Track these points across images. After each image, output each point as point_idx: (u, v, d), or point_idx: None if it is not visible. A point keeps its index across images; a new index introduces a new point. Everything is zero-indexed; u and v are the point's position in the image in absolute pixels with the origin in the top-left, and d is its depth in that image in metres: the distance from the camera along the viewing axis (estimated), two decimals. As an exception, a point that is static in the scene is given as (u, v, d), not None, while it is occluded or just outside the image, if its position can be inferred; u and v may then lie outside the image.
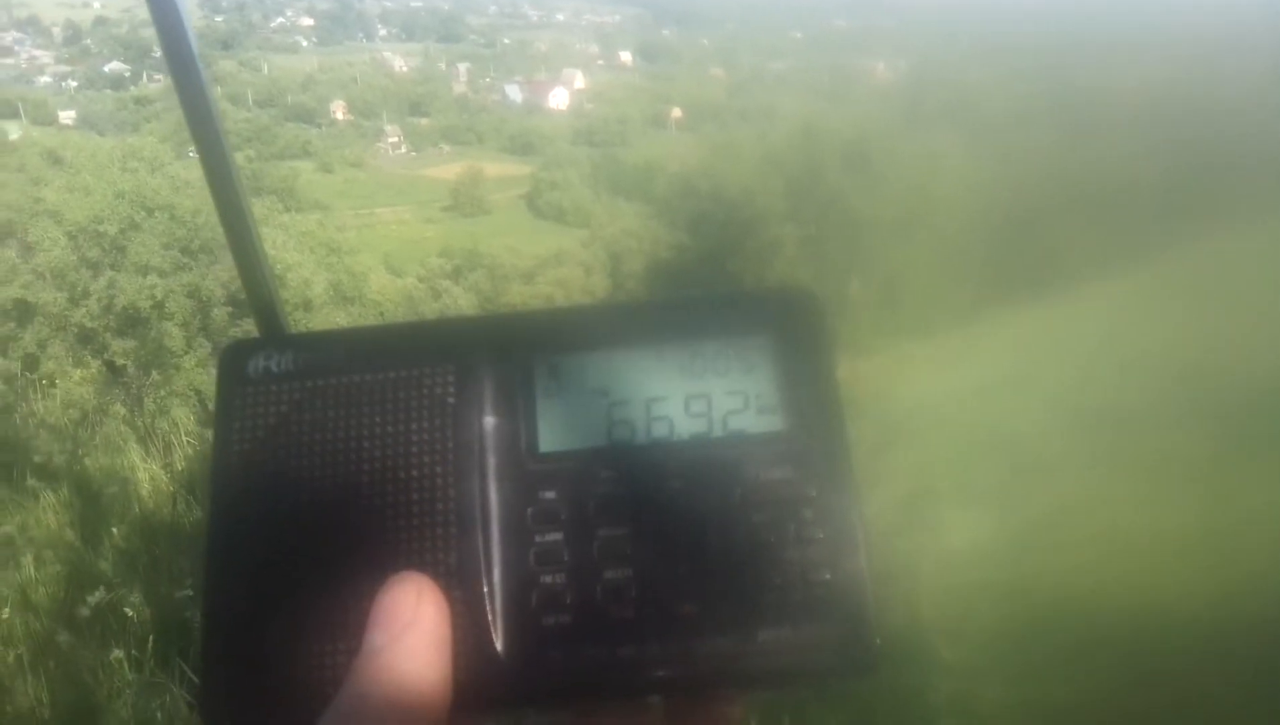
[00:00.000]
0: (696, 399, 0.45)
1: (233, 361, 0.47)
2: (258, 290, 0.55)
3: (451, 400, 0.45)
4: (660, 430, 0.45)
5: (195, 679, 2.51)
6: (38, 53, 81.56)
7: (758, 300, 0.48)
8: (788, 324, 0.47)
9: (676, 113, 56.55)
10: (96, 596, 2.64)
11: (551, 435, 0.45)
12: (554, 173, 48.00)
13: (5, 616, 2.68)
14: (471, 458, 0.44)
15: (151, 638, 2.61)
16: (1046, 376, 8.39)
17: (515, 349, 0.46)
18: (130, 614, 2.66)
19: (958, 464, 6.61)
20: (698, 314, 0.47)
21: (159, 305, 14.81)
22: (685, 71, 69.07)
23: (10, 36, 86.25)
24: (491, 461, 0.44)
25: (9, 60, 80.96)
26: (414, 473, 0.44)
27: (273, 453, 0.45)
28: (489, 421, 0.45)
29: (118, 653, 2.49)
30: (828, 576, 0.42)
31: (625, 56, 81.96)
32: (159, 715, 2.37)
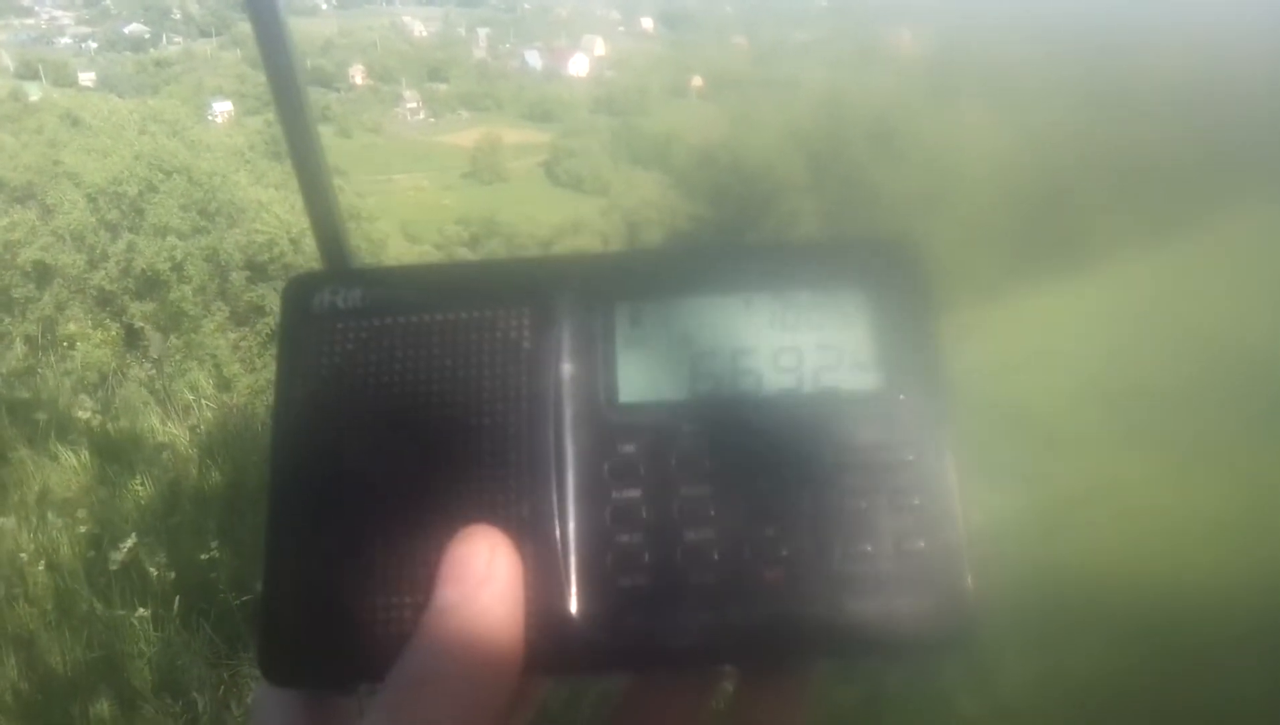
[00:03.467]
0: (786, 352, 0.42)
1: (297, 296, 0.44)
2: (324, 223, 0.54)
3: (526, 344, 0.42)
4: (747, 384, 0.42)
5: (215, 636, 2.53)
6: (58, 13, 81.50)
7: (855, 248, 0.44)
8: (887, 275, 0.43)
9: (697, 81, 56.03)
10: (123, 552, 2.63)
11: (631, 385, 0.42)
12: (573, 141, 47.79)
13: (32, 575, 2.68)
14: (546, 406, 0.41)
15: (177, 598, 2.61)
16: (1074, 353, 8.33)
17: (595, 292, 0.43)
18: (154, 573, 2.66)
19: (981, 441, 6.56)
20: (791, 261, 0.44)
21: (177, 267, 14.85)
22: (707, 39, 68.37)
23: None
24: (567, 411, 0.41)
25: (29, 21, 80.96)
26: (485, 420, 0.41)
27: (338, 393, 0.42)
28: (565, 368, 0.42)
29: (142, 611, 2.49)
30: (922, 545, 0.39)
31: (647, 23, 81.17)
32: (181, 673, 2.37)
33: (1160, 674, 4.01)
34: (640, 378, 0.42)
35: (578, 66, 68.44)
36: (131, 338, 13.49)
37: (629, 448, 0.41)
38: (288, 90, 0.52)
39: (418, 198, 43.69)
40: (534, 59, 71.32)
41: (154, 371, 6.53)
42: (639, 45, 75.01)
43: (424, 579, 0.38)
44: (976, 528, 0.40)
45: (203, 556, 2.73)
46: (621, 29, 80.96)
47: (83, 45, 71.85)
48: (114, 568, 2.55)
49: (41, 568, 2.69)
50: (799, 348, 0.42)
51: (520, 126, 55.60)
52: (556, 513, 0.40)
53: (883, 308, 0.43)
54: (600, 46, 72.32)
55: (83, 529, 2.90)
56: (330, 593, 0.39)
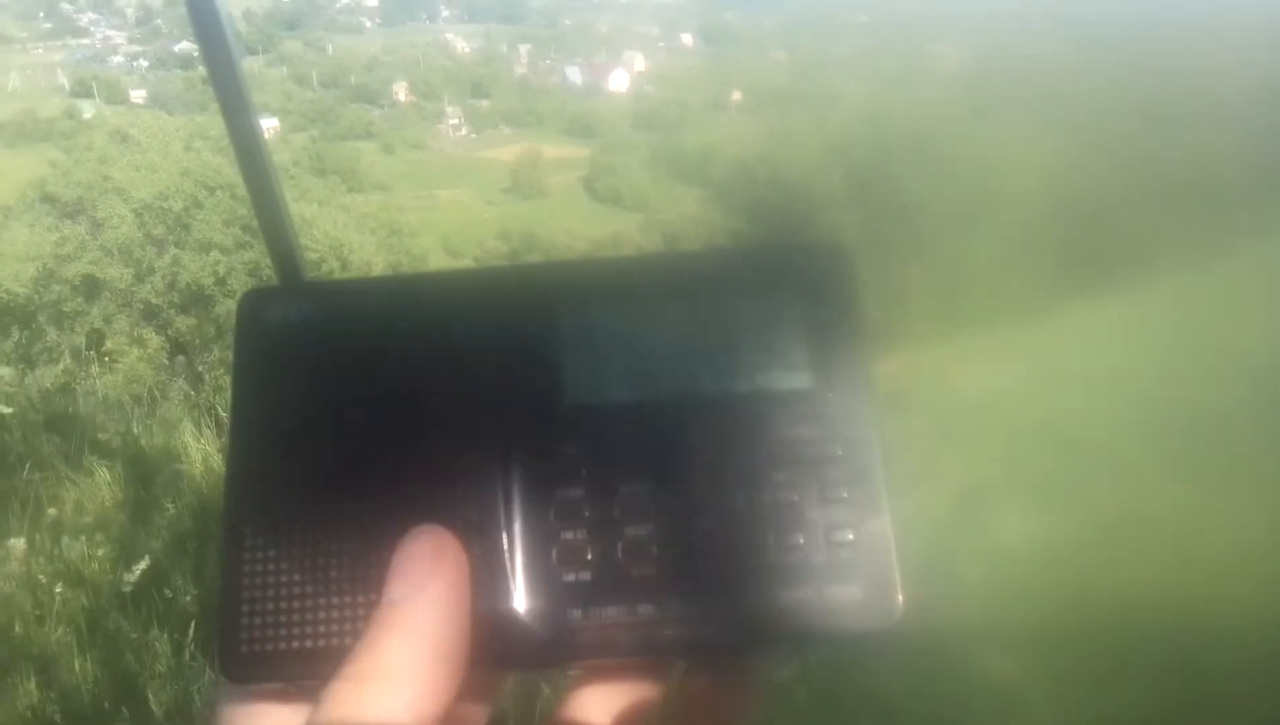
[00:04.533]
0: (723, 353, 0.44)
1: (252, 310, 0.46)
2: (277, 237, 0.56)
3: (473, 351, 0.44)
4: (685, 385, 0.44)
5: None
6: (112, 33, 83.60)
7: (788, 254, 0.46)
8: (818, 279, 0.45)
9: (737, 96, 56.00)
10: (136, 574, 2.64)
11: (575, 388, 0.44)
12: (612, 156, 47.98)
13: (59, 594, 2.69)
14: (493, 410, 0.43)
15: (194, 621, 2.60)
16: (1116, 373, 8.15)
17: (539, 299, 0.45)
18: (175, 595, 2.66)
19: (1017, 461, 6.45)
20: (726, 267, 0.46)
21: (221, 282, 15.11)
22: (746, 54, 68.44)
23: (86, 18, 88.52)
24: (514, 414, 0.43)
25: (85, 41, 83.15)
26: (435, 424, 0.43)
27: (291, 403, 0.44)
28: (513, 373, 0.44)
29: (160, 633, 2.49)
30: (850, 537, 0.42)
31: (686, 39, 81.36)
32: (195, 698, 2.37)
33: (1199, 704, 3.89)
34: (583, 380, 0.44)
35: (618, 82, 68.78)
36: (174, 352, 13.71)
37: (571, 448, 0.43)
38: (235, 98, 0.52)
39: (459, 213, 44.06)
40: (574, 75, 71.79)
41: (194, 386, 6.60)
42: (679, 60, 75.24)
43: (377, 578, 0.39)
44: (903, 518, 0.42)
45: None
46: (661, 44, 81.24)
47: (134, 64, 73.56)
48: (127, 589, 2.55)
49: (67, 587, 2.70)
50: (734, 349, 0.44)
51: (560, 142, 55.92)
52: (503, 512, 0.42)
53: (814, 310, 0.45)
54: (640, 62, 72.63)
55: (109, 549, 2.92)
56: (287, 593, 0.41)
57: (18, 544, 2.78)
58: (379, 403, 0.43)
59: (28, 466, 3.45)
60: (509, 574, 0.41)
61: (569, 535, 0.42)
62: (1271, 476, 5.44)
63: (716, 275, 0.46)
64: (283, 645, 0.41)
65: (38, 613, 2.60)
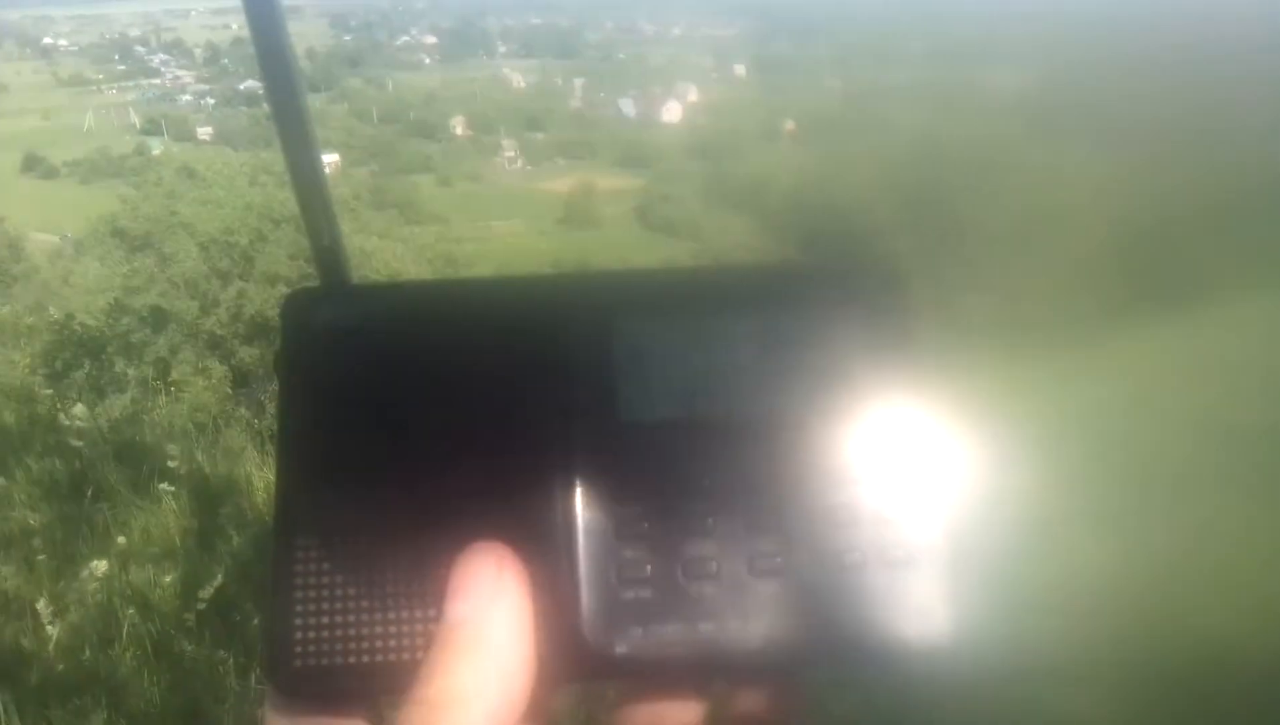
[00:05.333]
0: (780, 371, 0.44)
1: (297, 312, 0.44)
2: (321, 237, 0.53)
3: (529, 362, 0.43)
4: (742, 401, 0.43)
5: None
6: (180, 73, 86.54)
7: (847, 273, 0.46)
8: (875, 299, 0.45)
9: (790, 125, 56.03)
10: (210, 591, 2.69)
11: (632, 403, 0.43)
12: (665, 186, 48.22)
13: (127, 619, 2.76)
14: (549, 424, 0.42)
15: (259, 646, 2.65)
16: (1180, 395, 7.96)
17: (595, 311, 0.44)
18: (240, 621, 2.71)
19: (1080, 486, 6.30)
20: (784, 283, 0.46)
21: (284, 314, 15.38)
22: (799, 83, 68.53)
23: (158, 59, 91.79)
24: (570, 429, 0.42)
25: (155, 80, 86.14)
26: (490, 437, 0.42)
27: (343, 410, 0.42)
28: (568, 386, 0.43)
29: (226, 657, 2.54)
30: (910, 556, 0.41)
31: (739, 69, 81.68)
32: (260, 721, 2.40)
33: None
34: (639, 395, 0.43)
35: (671, 113, 69.27)
36: (238, 382, 14.00)
37: (630, 465, 0.42)
38: (284, 95, 0.52)
39: (514, 243, 44.55)
40: (628, 107, 72.47)
41: (256, 415, 6.73)
42: (732, 91, 75.52)
43: (433, 595, 0.39)
44: (962, 539, 0.42)
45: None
46: (714, 75, 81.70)
47: (202, 101, 75.96)
48: (201, 607, 2.60)
49: (136, 611, 2.77)
50: (793, 366, 0.44)
51: (614, 173, 56.40)
52: (562, 528, 0.41)
53: (871, 330, 0.44)
54: (693, 93, 73.10)
55: (175, 575, 2.98)
56: (339, 605, 0.40)
57: (100, 565, 2.86)
58: (431, 411, 0.42)
59: (98, 495, 3.55)
60: (569, 590, 0.40)
61: (629, 553, 0.41)
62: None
63: (775, 291, 0.45)
64: (335, 660, 0.40)
65: (106, 637, 2.67)
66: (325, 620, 0.40)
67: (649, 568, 0.41)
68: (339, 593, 0.40)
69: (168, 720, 2.38)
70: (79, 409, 3.56)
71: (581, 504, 0.41)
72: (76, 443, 3.52)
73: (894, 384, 0.44)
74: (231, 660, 2.52)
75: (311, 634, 0.40)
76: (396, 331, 0.43)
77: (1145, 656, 4.20)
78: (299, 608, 0.40)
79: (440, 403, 0.42)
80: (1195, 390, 7.90)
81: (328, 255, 0.52)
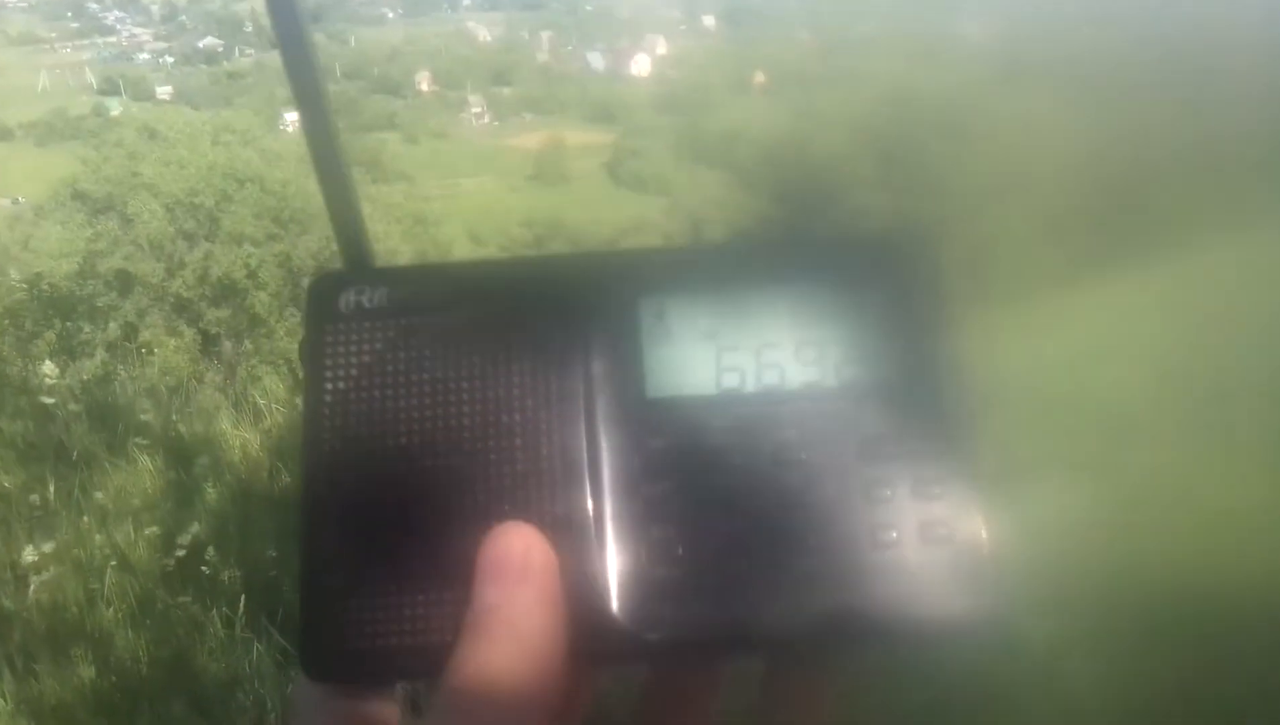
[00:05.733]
0: (809, 346, 0.43)
1: (323, 295, 0.45)
2: (345, 222, 0.54)
3: (554, 341, 0.43)
4: (771, 378, 0.43)
5: (281, 637, 2.57)
6: (137, 30, 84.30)
7: (875, 243, 0.45)
8: (906, 270, 0.44)
9: (760, 78, 55.56)
10: (188, 538, 2.69)
11: (658, 380, 0.43)
12: (635, 141, 47.81)
13: (109, 575, 2.75)
14: (576, 402, 0.42)
15: (243, 597, 2.66)
16: (1150, 345, 8.04)
17: (620, 288, 0.44)
18: (221, 574, 2.71)
19: (1050, 435, 6.39)
20: (811, 256, 0.45)
21: (252, 274, 15.23)
22: (770, 35, 67.88)
23: (112, 16, 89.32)
24: (597, 406, 0.42)
25: (111, 39, 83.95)
26: (516, 417, 0.42)
27: (368, 393, 0.42)
28: (594, 364, 0.43)
29: (209, 610, 2.54)
30: (946, 532, 0.41)
31: (709, 21, 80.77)
32: (247, 669, 2.42)
33: (1233, 677, 3.86)
34: (667, 372, 0.43)
35: (640, 66, 68.49)
36: (207, 343, 13.87)
37: (658, 442, 0.41)
38: (309, 90, 0.52)
39: (483, 201, 44.12)
40: (596, 60, 71.60)
41: (228, 376, 6.68)
42: (701, 43, 74.78)
43: (462, 576, 0.38)
44: (999, 514, 0.41)
45: (268, 555, 2.78)
46: (683, 28, 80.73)
47: (160, 60, 74.25)
48: (180, 553, 2.60)
49: (117, 568, 2.76)
50: (821, 341, 0.43)
51: (583, 128, 55.81)
52: (591, 507, 0.41)
53: (902, 301, 0.44)
54: (662, 46, 72.26)
55: (155, 530, 2.97)
56: (367, 591, 0.40)
57: (86, 525, 2.83)
58: (459, 393, 0.42)
59: (74, 455, 3.53)
60: (599, 571, 0.40)
61: (658, 531, 0.41)
62: (1309, 447, 5.37)
63: (803, 265, 0.45)
64: (364, 644, 0.40)
65: (90, 594, 2.66)
66: (354, 604, 0.40)
67: (679, 547, 0.40)
68: (368, 576, 0.40)
69: (155, 671, 2.39)
70: (47, 366, 3.51)
71: (609, 483, 0.41)
72: (48, 400, 3.48)
73: (928, 356, 0.43)
74: (215, 612, 2.53)
75: (341, 618, 0.40)
76: (422, 313, 0.43)
77: (1118, 603, 4.29)
78: (328, 592, 0.41)
79: (466, 382, 0.42)
80: (1166, 339, 8.01)
81: (352, 239, 0.54)
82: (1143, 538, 5.00)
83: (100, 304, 14.61)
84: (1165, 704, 3.80)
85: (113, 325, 13.75)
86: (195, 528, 2.91)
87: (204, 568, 2.68)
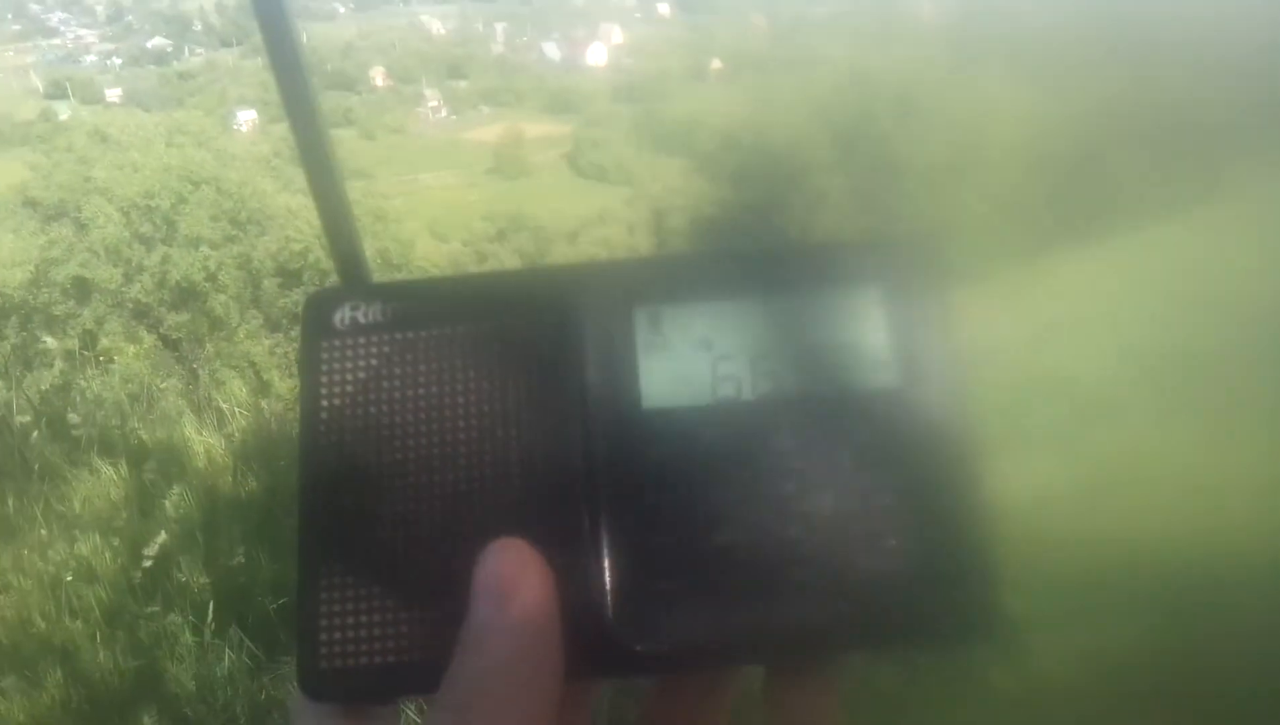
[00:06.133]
0: (805, 353, 0.43)
1: (318, 312, 0.45)
2: (341, 238, 0.54)
3: (549, 353, 0.43)
4: (766, 386, 0.42)
5: (251, 644, 2.55)
6: (83, 32, 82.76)
7: (870, 248, 0.45)
8: (901, 274, 0.43)
9: (717, 64, 55.57)
10: (154, 548, 2.66)
11: (654, 391, 0.42)
12: (594, 131, 47.69)
13: (74, 588, 2.72)
14: (572, 414, 0.42)
15: (211, 604, 2.64)
16: (1110, 318, 8.17)
17: (614, 298, 0.43)
18: (189, 580, 2.69)
19: (1015, 410, 6.46)
20: (806, 262, 0.44)
21: (211, 277, 15.04)
22: (725, 22, 67.91)
23: (56, 17, 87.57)
24: (593, 418, 0.42)
25: (56, 41, 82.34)
26: (511, 430, 0.41)
27: (363, 409, 0.42)
28: (589, 376, 0.42)
29: (178, 619, 2.52)
30: (945, 538, 0.40)
31: (663, 8, 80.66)
32: (219, 676, 2.40)
33: (1201, 649, 3.93)
34: (662, 382, 0.42)
35: (596, 56, 68.29)
36: (169, 348, 13.68)
37: (655, 452, 0.41)
38: (302, 108, 0.53)
39: (443, 196, 43.83)
40: (552, 51, 71.28)
41: (190, 381, 6.60)
42: (657, 31, 74.68)
43: (458, 592, 0.38)
44: (1000, 519, 0.40)
45: (236, 561, 2.76)
46: (638, 15, 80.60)
47: (108, 62, 72.95)
48: (147, 564, 2.57)
49: (82, 580, 2.73)
50: (818, 348, 0.43)
51: (541, 119, 55.57)
52: (587, 519, 0.40)
53: (898, 306, 0.43)
54: (618, 34, 72.10)
55: (120, 541, 2.94)
56: (364, 608, 0.40)
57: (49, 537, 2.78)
58: (455, 407, 0.42)
59: (35, 468, 3.47)
60: (597, 583, 0.40)
61: (656, 542, 0.40)
62: (1267, 415, 5.47)
63: (798, 272, 0.44)
64: (360, 661, 0.40)
65: (56, 607, 2.63)
66: (350, 621, 0.40)
67: (677, 557, 0.40)
68: (365, 593, 0.40)
69: (125, 682, 2.37)
70: None
71: (606, 495, 0.41)
72: None
73: (924, 361, 0.42)
74: (184, 620, 2.50)
75: (337, 635, 0.40)
76: (416, 327, 0.43)
77: (1089, 575, 4.35)
78: (324, 609, 0.40)
79: (461, 397, 0.42)
80: (1126, 313, 8.13)
81: (347, 254, 0.51)
82: (1107, 507, 5.08)
83: (57, 312, 14.36)
84: (1138, 682, 3.87)
85: (71, 334, 13.53)
86: (161, 537, 2.87)
87: (171, 577, 2.66)
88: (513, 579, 0.37)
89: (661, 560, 0.40)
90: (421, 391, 0.42)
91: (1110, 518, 4.84)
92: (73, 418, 3.87)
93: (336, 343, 0.43)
